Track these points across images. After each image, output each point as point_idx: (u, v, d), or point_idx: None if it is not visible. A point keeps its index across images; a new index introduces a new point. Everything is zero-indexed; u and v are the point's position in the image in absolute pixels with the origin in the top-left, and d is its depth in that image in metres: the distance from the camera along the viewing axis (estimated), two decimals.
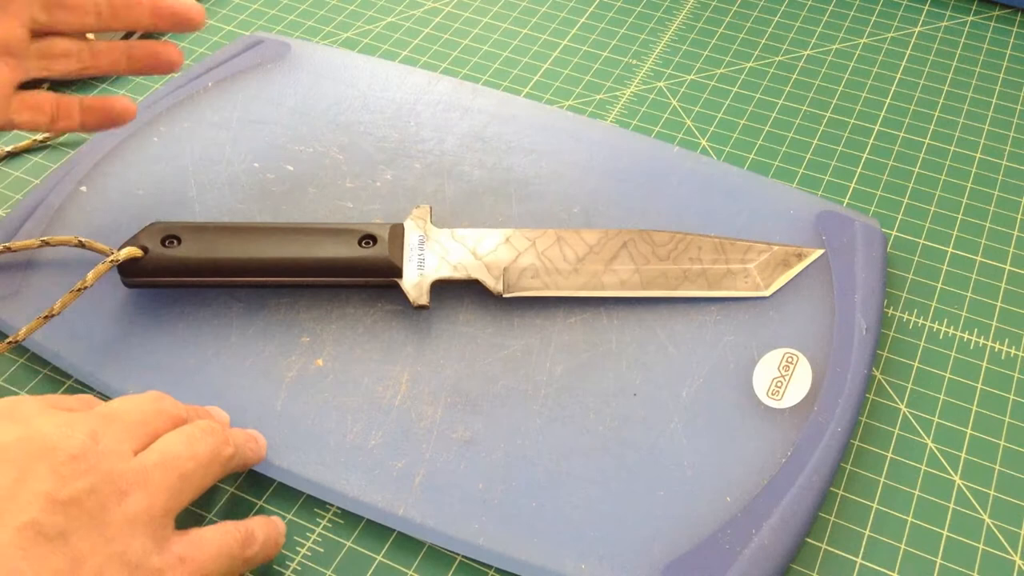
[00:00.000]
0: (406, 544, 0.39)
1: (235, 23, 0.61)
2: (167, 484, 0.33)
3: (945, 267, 0.48)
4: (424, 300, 0.43)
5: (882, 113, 0.55)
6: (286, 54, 0.57)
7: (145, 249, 0.43)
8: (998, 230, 0.49)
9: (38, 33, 0.43)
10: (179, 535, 0.33)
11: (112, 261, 0.43)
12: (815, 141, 0.54)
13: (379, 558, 0.38)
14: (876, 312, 0.44)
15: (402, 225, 0.45)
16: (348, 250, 0.44)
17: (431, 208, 0.47)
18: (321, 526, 0.39)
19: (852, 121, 0.55)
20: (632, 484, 0.39)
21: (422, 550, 0.39)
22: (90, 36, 0.58)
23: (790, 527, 0.38)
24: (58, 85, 0.57)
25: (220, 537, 0.34)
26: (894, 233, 0.49)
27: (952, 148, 0.53)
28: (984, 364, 0.44)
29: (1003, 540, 0.39)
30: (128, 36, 0.59)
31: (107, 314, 0.45)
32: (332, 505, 0.40)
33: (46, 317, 0.42)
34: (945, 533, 0.39)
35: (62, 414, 0.33)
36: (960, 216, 0.50)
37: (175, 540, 0.33)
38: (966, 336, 0.45)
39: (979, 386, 0.43)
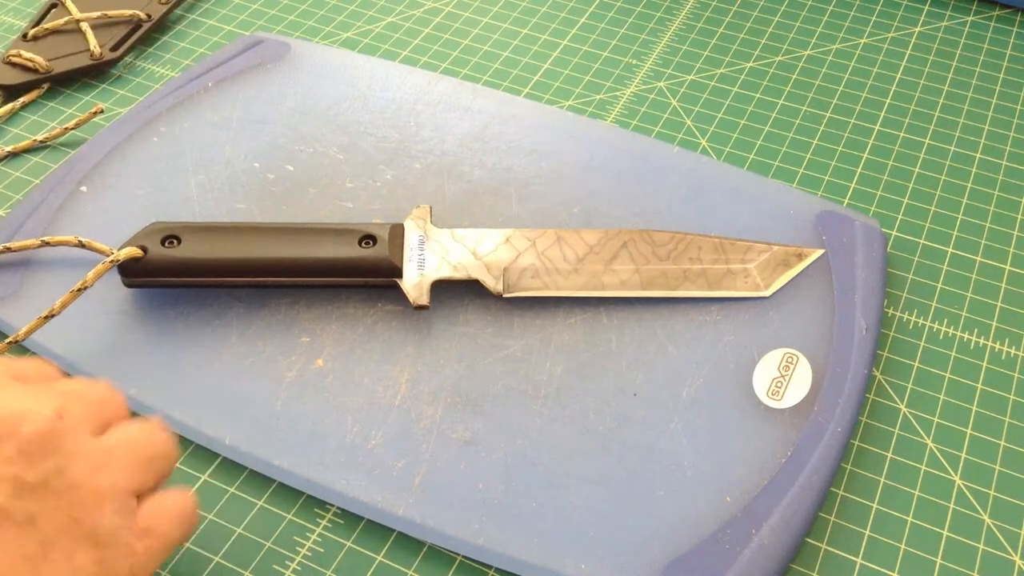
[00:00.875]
0: (406, 544, 0.39)
1: (235, 23, 0.61)
2: (130, 464, 0.32)
3: (945, 267, 0.48)
4: (424, 300, 0.43)
5: (882, 113, 0.55)
6: (286, 54, 0.57)
7: (145, 249, 0.43)
8: (998, 230, 0.49)
9: None
10: (141, 507, 0.33)
11: (112, 261, 0.43)
12: (815, 141, 0.54)
13: (379, 558, 0.38)
14: (876, 312, 0.44)
15: (402, 225, 0.45)
16: (348, 250, 0.44)
17: (431, 208, 0.47)
18: (321, 526, 0.39)
19: (852, 121, 0.55)
20: (632, 484, 0.39)
21: (422, 550, 0.39)
22: (85, 28, 0.58)
23: (790, 527, 0.38)
24: (57, 84, 0.57)
25: (175, 502, 0.34)
26: (894, 233, 0.49)
27: (952, 148, 0.53)
28: (984, 364, 0.44)
29: (1003, 540, 0.39)
30: (135, 30, 0.59)
31: (107, 314, 0.45)
32: (332, 505, 0.40)
33: (46, 317, 0.42)
34: (945, 533, 0.39)
35: (23, 388, 0.32)
36: (960, 216, 0.50)
37: (139, 513, 0.32)
38: (966, 336, 0.45)
39: (979, 386, 0.43)
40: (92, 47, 0.57)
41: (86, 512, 0.31)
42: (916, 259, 0.48)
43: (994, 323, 0.46)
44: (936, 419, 0.42)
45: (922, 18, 0.61)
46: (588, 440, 0.40)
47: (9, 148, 0.53)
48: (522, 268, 0.45)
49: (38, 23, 0.59)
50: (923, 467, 0.41)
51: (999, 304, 0.46)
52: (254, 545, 0.39)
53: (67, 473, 0.30)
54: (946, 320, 0.46)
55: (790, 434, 0.40)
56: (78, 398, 0.33)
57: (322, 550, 0.39)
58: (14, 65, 0.57)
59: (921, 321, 0.46)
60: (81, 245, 0.45)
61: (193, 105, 0.54)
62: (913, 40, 0.59)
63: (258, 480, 0.41)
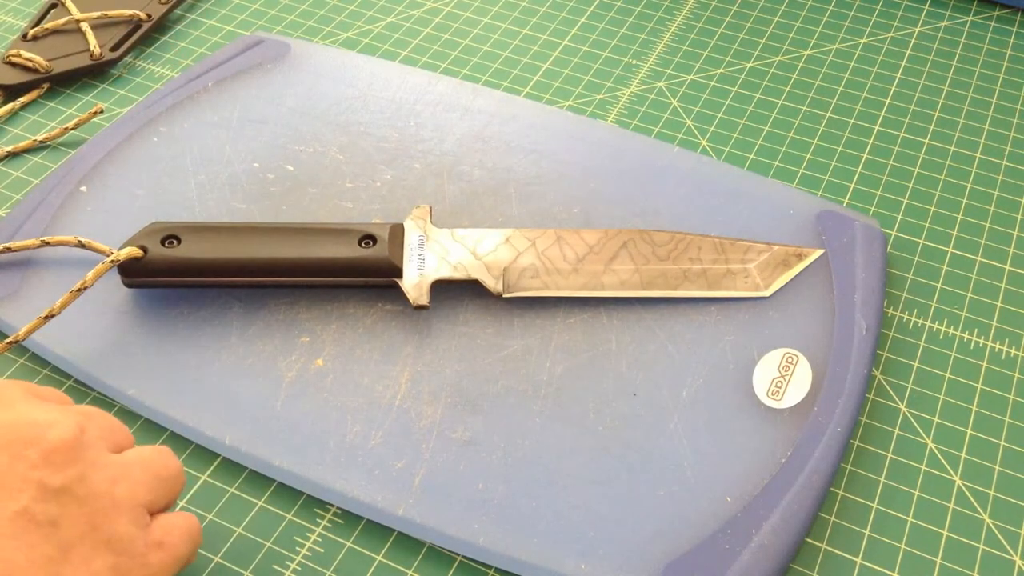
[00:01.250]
0: (406, 544, 0.39)
1: (235, 23, 0.61)
2: (146, 479, 0.33)
3: (945, 267, 0.48)
4: (424, 300, 0.43)
5: (882, 113, 0.55)
6: (286, 54, 0.57)
7: (145, 249, 0.43)
8: (998, 230, 0.49)
9: None
10: (153, 523, 0.34)
11: (112, 261, 0.43)
12: (815, 141, 0.54)
13: (379, 558, 0.38)
14: (876, 312, 0.44)
15: (402, 225, 0.45)
16: (348, 250, 0.44)
17: (431, 208, 0.47)
18: (321, 526, 0.39)
19: (852, 121, 0.55)
20: (632, 484, 0.39)
21: (422, 550, 0.39)
22: (86, 28, 0.58)
23: (790, 527, 0.38)
24: (57, 84, 0.57)
25: (183, 521, 0.35)
26: (894, 233, 0.49)
27: (952, 148, 0.53)
28: (984, 364, 0.44)
29: (1003, 540, 0.39)
30: (135, 30, 0.59)
31: (107, 314, 0.45)
32: (332, 505, 0.40)
33: (46, 317, 0.42)
34: (945, 533, 0.39)
35: (45, 404, 0.34)
36: (960, 216, 0.50)
37: (152, 527, 0.33)
38: (966, 336, 0.45)
39: (979, 386, 0.43)
40: (92, 47, 0.57)
41: (105, 520, 0.31)
42: (916, 259, 0.48)
43: (994, 323, 0.46)
44: (936, 419, 0.42)
45: (922, 18, 0.61)
46: (588, 440, 0.40)
47: (9, 148, 0.53)
48: (522, 268, 0.45)
49: (38, 23, 0.59)
50: (923, 467, 0.41)
51: (999, 304, 0.46)
52: (254, 545, 0.39)
53: (88, 481, 0.32)
54: (946, 320, 0.46)
55: (790, 434, 0.40)
56: (94, 420, 0.34)
57: (322, 550, 0.39)
58: (14, 65, 0.57)
59: (921, 321, 0.46)
60: (81, 245, 0.45)
61: (193, 105, 0.54)
62: (913, 40, 0.59)
63: (258, 480, 0.41)
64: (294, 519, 0.40)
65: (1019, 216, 0.50)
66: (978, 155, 0.53)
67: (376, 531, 0.39)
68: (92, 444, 0.33)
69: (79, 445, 0.32)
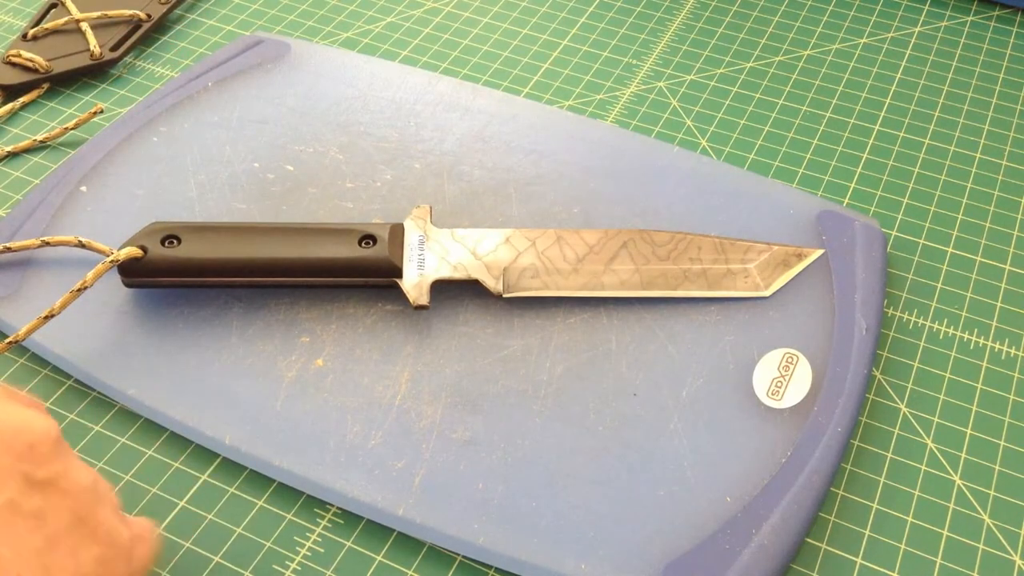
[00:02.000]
0: (406, 544, 0.39)
1: (235, 23, 0.61)
2: (111, 488, 0.34)
3: (945, 267, 0.48)
4: (424, 300, 0.43)
5: (882, 113, 0.55)
6: (286, 54, 0.57)
7: (145, 249, 0.43)
8: (998, 230, 0.49)
9: None
10: (129, 519, 0.34)
11: (112, 261, 0.43)
12: (815, 141, 0.54)
13: (379, 558, 0.38)
14: (876, 312, 0.44)
15: (402, 225, 0.45)
16: (348, 250, 0.44)
17: (431, 208, 0.47)
18: (321, 526, 0.39)
19: (852, 121, 0.55)
20: (632, 484, 0.39)
21: (422, 550, 0.39)
22: (86, 28, 0.58)
23: (790, 527, 0.38)
24: (57, 84, 0.57)
25: (148, 523, 0.35)
26: (894, 233, 0.49)
27: (952, 148, 0.53)
28: (984, 364, 0.44)
29: (1003, 540, 0.39)
30: (135, 30, 0.59)
31: (107, 314, 0.45)
32: (332, 505, 0.40)
33: (46, 317, 0.42)
34: (945, 533, 0.39)
35: (25, 406, 0.34)
36: (960, 216, 0.50)
37: (130, 522, 0.34)
38: (966, 336, 0.45)
39: (979, 386, 0.43)
40: (92, 47, 0.57)
41: (90, 512, 0.32)
42: (916, 259, 0.48)
43: (994, 323, 0.46)
44: (936, 419, 0.42)
45: (922, 18, 0.61)
46: (588, 440, 0.40)
47: (9, 148, 0.53)
48: (522, 268, 0.45)
49: (38, 23, 0.59)
50: (923, 467, 0.41)
51: (999, 304, 0.46)
52: (254, 545, 0.39)
53: (72, 475, 0.32)
54: (946, 320, 0.46)
55: (790, 434, 0.40)
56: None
57: (322, 550, 0.39)
58: (14, 65, 0.57)
59: (921, 321, 0.46)
60: (81, 245, 0.45)
61: (193, 105, 0.54)
62: (913, 40, 0.59)
63: (258, 480, 0.41)
64: (294, 519, 0.40)
65: (1019, 216, 0.50)
66: (978, 155, 0.53)
67: (376, 531, 0.39)
68: (68, 445, 0.33)
69: (61, 440, 0.32)
